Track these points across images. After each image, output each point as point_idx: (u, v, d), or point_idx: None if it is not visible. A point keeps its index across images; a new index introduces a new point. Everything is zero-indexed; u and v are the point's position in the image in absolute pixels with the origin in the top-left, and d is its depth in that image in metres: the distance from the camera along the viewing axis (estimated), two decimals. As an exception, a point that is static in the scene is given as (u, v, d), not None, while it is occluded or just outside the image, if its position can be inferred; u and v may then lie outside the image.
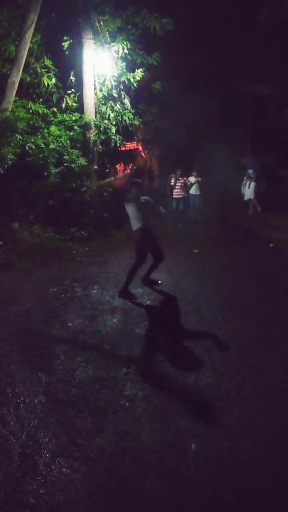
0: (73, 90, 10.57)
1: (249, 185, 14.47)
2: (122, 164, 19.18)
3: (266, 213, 13.90)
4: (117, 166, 18.93)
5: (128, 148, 15.77)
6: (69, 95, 10.55)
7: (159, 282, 6.50)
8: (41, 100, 10.36)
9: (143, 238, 5.90)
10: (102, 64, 10.47)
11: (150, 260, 6.17)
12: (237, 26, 15.96)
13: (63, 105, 10.50)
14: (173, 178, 12.40)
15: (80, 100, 10.47)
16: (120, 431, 3.05)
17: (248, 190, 14.52)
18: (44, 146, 9.40)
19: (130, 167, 17.84)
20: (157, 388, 3.61)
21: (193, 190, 13.06)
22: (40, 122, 9.89)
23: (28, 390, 3.57)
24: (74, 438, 2.96)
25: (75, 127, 10.12)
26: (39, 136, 9.52)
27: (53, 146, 9.49)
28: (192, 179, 12.92)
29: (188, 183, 12.80)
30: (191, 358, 4.15)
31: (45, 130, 9.75)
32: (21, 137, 8.84)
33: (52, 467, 2.69)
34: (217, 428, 3.07)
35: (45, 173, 9.55)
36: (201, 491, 2.51)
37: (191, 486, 2.55)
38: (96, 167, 10.70)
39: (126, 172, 18.17)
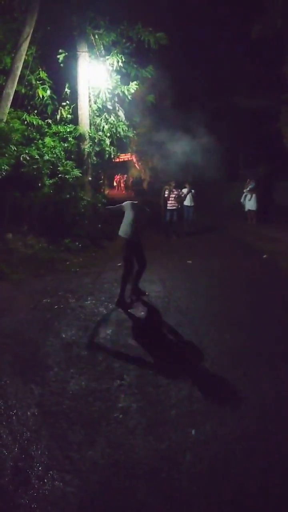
0: (67, 102, 10.65)
1: (250, 197, 14.57)
2: (118, 176, 19.33)
3: (261, 224, 14.04)
4: (115, 177, 19.03)
5: (122, 160, 15.87)
6: (63, 107, 10.63)
7: (146, 293, 6.54)
8: (36, 111, 10.43)
9: (130, 249, 6.12)
10: (97, 77, 10.59)
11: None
12: (230, 40, 16.29)
13: (58, 117, 10.57)
14: (167, 190, 12.48)
15: (74, 112, 10.56)
16: (113, 443, 3.03)
17: (249, 202, 14.63)
18: (38, 157, 9.47)
19: (127, 178, 17.99)
20: (151, 400, 3.59)
21: (187, 202, 13.18)
22: (34, 134, 9.95)
23: (21, 403, 3.54)
24: (66, 451, 2.94)
25: (70, 139, 10.20)
26: (34, 147, 9.58)
27: (47, 157, 9.56)
28: (185, 190, 13.02)
29: (182, 195, 12.89)
30: (184, 370, 4.14)
31: (40, 141, 9.82)
32: (15, 148, 8.89)
33: (45, 480, 2.66)
34: (211, 440, 3.06)
35: (39, 184, 9.59)
36: (194, 504, 2.49)
37: (184, 498, 2.53)
38: (90, 178, 10.75)
39: (122, 183, 18.33)
